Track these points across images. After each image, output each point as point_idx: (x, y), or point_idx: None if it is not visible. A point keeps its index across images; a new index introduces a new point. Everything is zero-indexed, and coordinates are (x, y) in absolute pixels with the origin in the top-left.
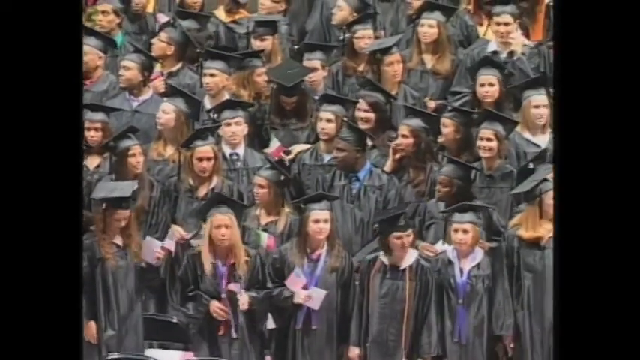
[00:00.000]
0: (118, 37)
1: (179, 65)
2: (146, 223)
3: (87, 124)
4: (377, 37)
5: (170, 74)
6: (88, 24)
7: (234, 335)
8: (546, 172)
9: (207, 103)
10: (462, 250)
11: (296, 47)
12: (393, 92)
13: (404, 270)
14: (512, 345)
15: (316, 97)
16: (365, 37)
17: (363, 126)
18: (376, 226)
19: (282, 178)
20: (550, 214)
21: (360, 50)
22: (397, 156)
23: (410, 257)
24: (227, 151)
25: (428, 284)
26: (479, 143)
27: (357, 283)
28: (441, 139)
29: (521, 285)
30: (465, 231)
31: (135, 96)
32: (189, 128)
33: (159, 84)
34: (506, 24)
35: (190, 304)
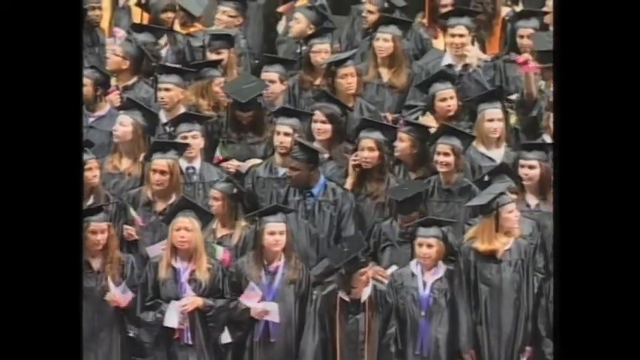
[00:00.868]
0: None
1: (134, 79)
2: None
3: None
4: (335, 51)
5: (125, 88)
6: None
7: (189, 342)
8: (504, 186)
9: (163, 117)
10: (427, 264)
11: (256, 61)
12: (350, 105)
13: (364, 303)
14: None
15: (272, 111)
16: (322, 52)
17: (319, 137)
18: (342, 271)
19: (236, 190)
20: (506, 228)
21: (316, 64)
22: (358, 170)
23: (368, 288)
24: (183, 164)
25: (389, 307)
26: (436, 158)
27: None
28: (397, 154)
29: (479, 299)
30: (430, 245)
31: (90, 112)
32: (145, 141)
33: (114, 98)
34: (461, 36)
35: (150, 313)
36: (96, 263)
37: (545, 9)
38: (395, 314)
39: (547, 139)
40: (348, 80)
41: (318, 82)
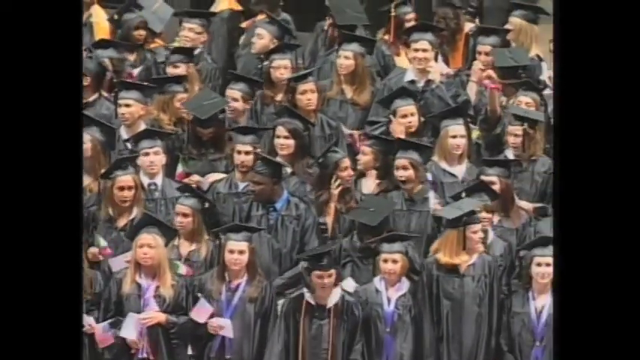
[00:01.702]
0: None
1: (95, 96)
2: None
3: None
4: (298, 67)
5: (86, 105)
6: None
7: (150, 357)
8: (475, 203)
9: (124, 133)
10: (391, 279)
11: (219, 78)
12: (312, 120)
13: (329, 309)
14: None
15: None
16: (281, 67)
17: (282, 152)
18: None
19: (207, 205)
20: (468, 247)
21: (276, 80)
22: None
23: (335, 296)
24: (145, 180)
25: (356, 320)
26: (395, 173)
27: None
28: (360, 167)
29: (441, 314)
30: (395, 261)
31: None
32: (106, 157)
33: None
34: (424, 51)
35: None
36: None
37: (507, 26)
38: (361, 329)
39: (509, 155)
40: (307, 96)
41: (279, 97)
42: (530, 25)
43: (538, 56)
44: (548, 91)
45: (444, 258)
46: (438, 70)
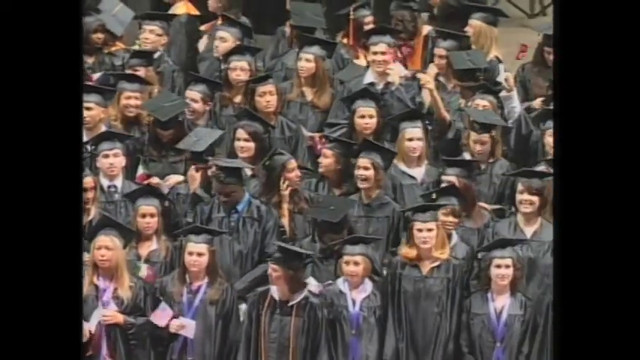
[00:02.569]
0: None
1: None
2: None
3: None
4: (258, 70)
5: None
6: None
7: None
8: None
9: (85, 136)
10: (354, 281)
11: (180, 80)
12: (272, 123)
13: (292, 306)
14: None
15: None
16: (238, 69)
17: (242, 155)
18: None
19: (167, 204)
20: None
21: (234, 81)
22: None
23: (299, 294)
24: (105, 182)
25: (317, 320)
26: (356, 172)
27: (242, 308)
28: (321, 170)
29: (402, 315)
30: (357, 263)
31: None
32: None
33: None
34: (383, 53)
35: None
36: None
37: (467, 28)
38: (326, 330)
39: (467, 156)
40: (266, 98)
41: (238, 99)
42: (490, 28)
43: (497, 58)
44: (504, 93)
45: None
46: (397, 72)
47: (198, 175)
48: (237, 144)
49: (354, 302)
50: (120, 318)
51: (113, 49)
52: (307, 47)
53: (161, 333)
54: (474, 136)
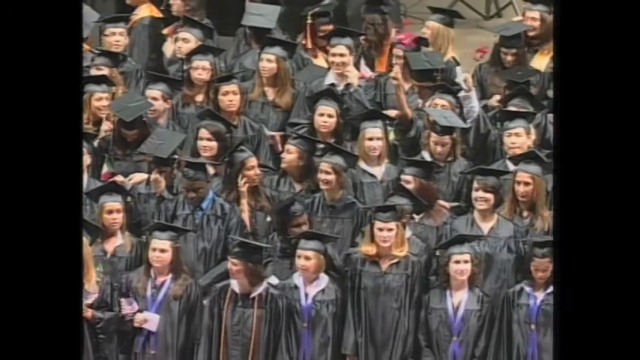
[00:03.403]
0: None
1: None
2: None
3: None
4: (220, 71)
5: None
6: None
7: None
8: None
9: None
10: (306, 276)
11: (143, 80)
12: (234, 123)
13: (253, 298)
14: None
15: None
16: (199, 68)
17: (205, 154)
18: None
19: (130, 199)
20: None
21: (195, 81)
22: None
23: (259, 286)
24: None
25: (278, 311)
26: (319, 175)
27: (205, 303)
28: (284, 165)
29: (361, 309)
30: (308, 257)
31: None
32: None
33: None
34: (342, 55)
35: None
36: None
37: (424, 30)
38: (285, 322)
39: (426, 156)
40: (229, 98)
41: (199, 98)
42: (447, 29)
43: (454, 59)
44: (463, 93)
45: (360, 247)
46: (356, 74)
47: (162, 178)
48: (200, 143)
49: (306, 296)
50: (88, 313)
51: None
52: (269, 48)
53: (127, 327)
54: (434, 137)
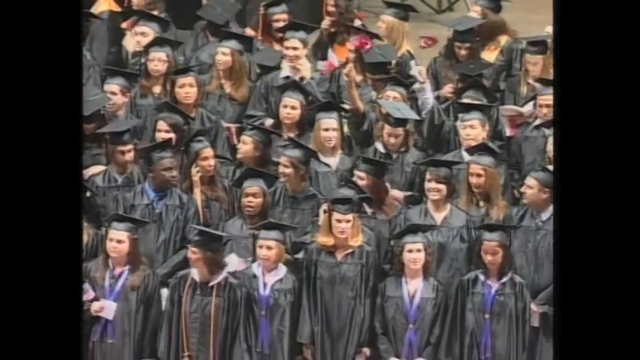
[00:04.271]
0: None
1: None
2: None
3: None
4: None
5: None
6: None
7: None
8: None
9: None
10: (266, 265)
11: (103, 74)
12: (192, 115)
13: (212, 287)
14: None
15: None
16: (155, 59)
17: None
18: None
19: (89, 194)
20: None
21: (152, 72)
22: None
23: (218, 275)
24: None
25: (237, 300)
26: (279, 167)
27: (164, 293)
28: (239, 156)
29: (317, 298)
30: (269, 247)
31: None
32: None
33: None
34: (295, 49)
35: None
36: None
37: (379, 24)
38: (244, 310)
39: (379, 147)
40: (186, 90)
41: (157, 90)
42: (401, 23)
43: (409, 52)
44: (417, 85)
45: (318, 239)
46: (308, 67)
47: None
48: (159, 135)
49: (265, 285)
50: None
51: None
52: (225, 41)
53: (84, 317)
54: (387, 129)
